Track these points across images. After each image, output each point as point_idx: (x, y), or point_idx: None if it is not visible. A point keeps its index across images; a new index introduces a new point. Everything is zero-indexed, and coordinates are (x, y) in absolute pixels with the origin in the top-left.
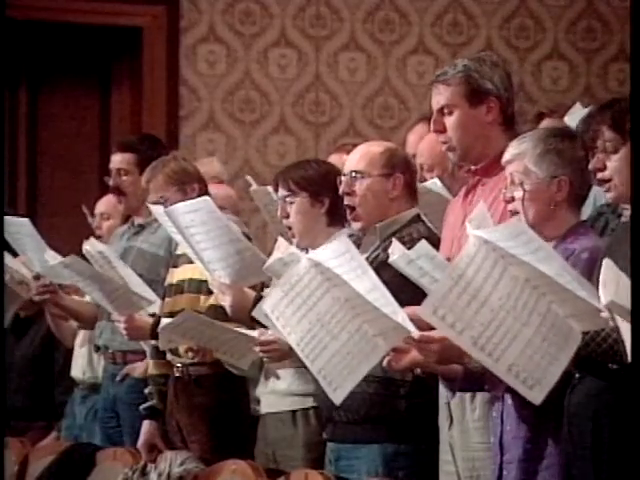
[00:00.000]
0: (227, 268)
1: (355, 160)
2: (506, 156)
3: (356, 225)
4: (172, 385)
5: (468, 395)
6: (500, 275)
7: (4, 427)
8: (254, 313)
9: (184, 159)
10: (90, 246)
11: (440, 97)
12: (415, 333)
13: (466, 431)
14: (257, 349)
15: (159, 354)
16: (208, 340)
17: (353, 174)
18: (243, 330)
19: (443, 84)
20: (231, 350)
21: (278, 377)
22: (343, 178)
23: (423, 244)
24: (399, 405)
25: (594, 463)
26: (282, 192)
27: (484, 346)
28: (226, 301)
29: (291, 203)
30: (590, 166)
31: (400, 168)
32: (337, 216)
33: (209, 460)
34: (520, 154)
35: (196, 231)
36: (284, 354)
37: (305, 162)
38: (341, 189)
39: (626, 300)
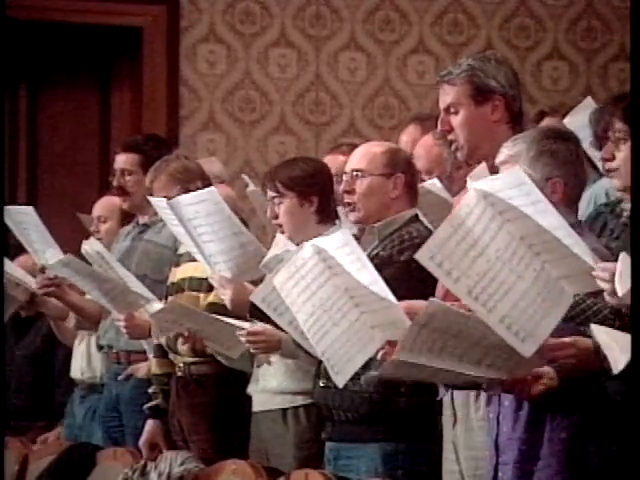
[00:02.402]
0: (229, 261)
1: (357, 159)
2: (499, 158)
3: (352, 217)
4: (174, 384)
5: (473, 394)
6: (498, 228)
7: (4, 427)
8: (252, 297)
9: (186, 158)
10: (89, 246)
11: (446, 97)
12: None
13: (470, 430)
14: (244, 339)
15: (162, 353)
16: (198, 329)
17: (354, 173)
18: (231, 320)
19: (448, 84)
20: (221, 339)
21: (269, 363)
22: (344, 176)
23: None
24: (398, 404)
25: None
26: (270, 193)
27: (478, 296)
28: (226, 295)
29: (280, 204)
30: (600, 156)
31: (401, 168)
32: (327, 214)
33: (210, 460)
34: (513, 156)
35: (199, 223)
36: (271, 346)
37: (292, 161)
38: (342, 187)
39: None
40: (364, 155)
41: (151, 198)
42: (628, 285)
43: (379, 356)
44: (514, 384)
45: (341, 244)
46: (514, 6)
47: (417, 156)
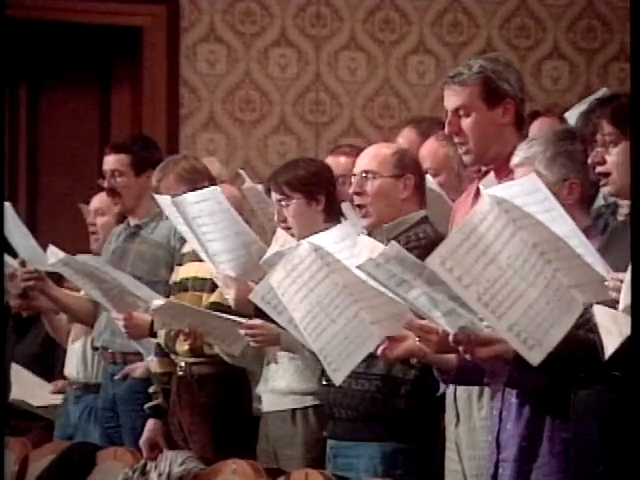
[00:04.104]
0: (233, 261)
1: (366, 160)
2: (515, 160)
3: (365, 222)
4: (175, 384)
5: (475, 393)
6: (510, 236)
7: (4, 427)
8: (251, 296)
9: (195, 158)
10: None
11: (455, 98)
12: (416, 321)
13: (473, 429)
14: (242, 332)
15: (163, 351)
16: (198, 325)
17: (364, 174)
18: (229, 316)
19: (459, 85)
20: (222, 336)
21: (276, 361)
22: (353, 178)
23: (392, 246)
24: (399, 404)
25: (603, 460)
26: (276, 197)
27: (488, 302)
28: (230, 294)
29: (287, 206)
30: (589, 160)
31: (410, 169)
32: (333, 212)
33: (211, 459)
34: (530, 158)
35: (203, 222)
36: (270, 339)
37: (294, 163)
38: (351, 189)
39: None
40: (374, 156)
41: (157, 196)
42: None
43: (379, 352)
44: (461, 342)
45: (342, 237)
46: (514, 6)
47: (422, 159)
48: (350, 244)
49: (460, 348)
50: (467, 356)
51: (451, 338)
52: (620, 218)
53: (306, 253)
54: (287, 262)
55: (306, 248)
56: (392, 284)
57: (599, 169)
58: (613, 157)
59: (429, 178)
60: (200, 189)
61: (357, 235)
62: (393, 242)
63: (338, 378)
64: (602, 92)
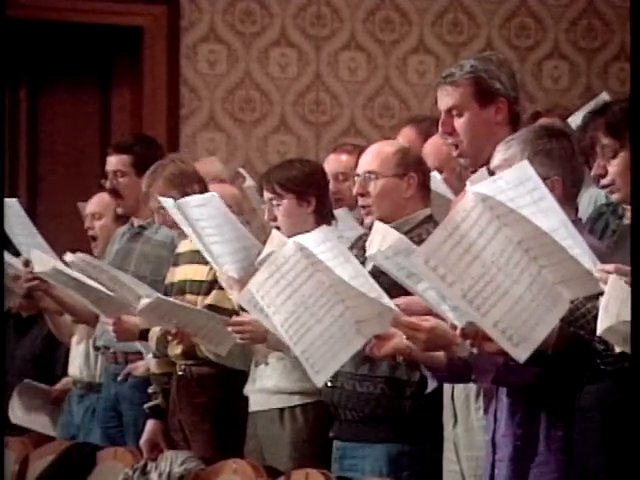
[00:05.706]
0: (235, 263)
1: (368, 160)
2: (494, 161)
3: (370, 221)
4: (174, 384)
5: (473, 393)
6: (495, 232)
7: (4, 427)
8: (238, 299)
9: (182, 161)
10: (75, 258)
11: (448, 99)
12: (404, 318)
13: (471, 430)
14: (230, 329)
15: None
16: (185, 324)
17: (367, 175)
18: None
19: (451, 85)
20: (209, 335)
21: (267, 363)
22: (356, 179)
23: (400, 240)
24: (404, 405)
25: (606, 460)
26: (267, 195)
27: (473, 300)
28: (234, 295)
29: (278, 205)
30: (592, 173)
31: (413, 167)
32: (324, 215)
33: (211, 459)
34: (508, 159)
35: (206, 224)
36: (258, 335)
37: (288, 163)
38: (355, 190)
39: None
40: (376, 156)
41: (161, 198)
42: (612, 320)
43: (367, 350)
44: (469, 336)
45: (322, 240)
46: (514, 6)
47: (426, 155)
48: (331, 246)
49: (468, 342)
50: (474, 350)
51: (459, 332)
52: (627, 221)
53: (291, 252)
54: (270, 263)
55: (291, 247)
56: (402, 275)
57: (603, 181)
58: (614, 167)
59: (437, 176)
60: (190, 192)
61: (337, 238)
62: (402, 236)
63: (320, 380)
64: (602, 96)
